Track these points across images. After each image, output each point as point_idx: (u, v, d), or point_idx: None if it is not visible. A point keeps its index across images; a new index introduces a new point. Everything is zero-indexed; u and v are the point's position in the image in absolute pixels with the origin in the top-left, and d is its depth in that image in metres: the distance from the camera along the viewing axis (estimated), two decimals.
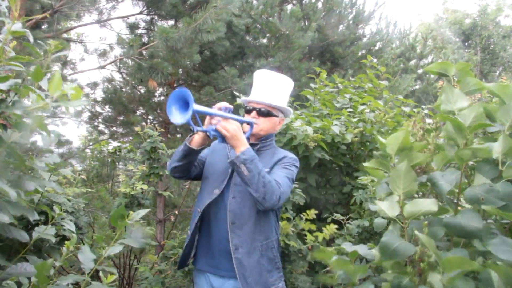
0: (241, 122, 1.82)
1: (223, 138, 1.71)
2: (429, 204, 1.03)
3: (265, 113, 1.89)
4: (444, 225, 1.01)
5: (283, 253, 2.52)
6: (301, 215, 2.66)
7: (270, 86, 1.93)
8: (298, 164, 1.89)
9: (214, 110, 1.71)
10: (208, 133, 1.71)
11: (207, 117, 1.74)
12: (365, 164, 1.24)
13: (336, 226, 2.60)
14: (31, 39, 1.33)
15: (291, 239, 2.51)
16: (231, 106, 1.76)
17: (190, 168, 1.90)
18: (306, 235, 2.64)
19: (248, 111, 1.92)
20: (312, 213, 2.61)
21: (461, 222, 0.98)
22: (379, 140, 1.20)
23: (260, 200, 1.66)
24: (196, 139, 1.81)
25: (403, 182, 1.06)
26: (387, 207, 1.09)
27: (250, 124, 1.89)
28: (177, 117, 1.56)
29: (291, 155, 1.90)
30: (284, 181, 1.75)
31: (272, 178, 1.70)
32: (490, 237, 1.02)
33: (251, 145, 1.89)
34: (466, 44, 16.52)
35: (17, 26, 1.26)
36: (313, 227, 2.64)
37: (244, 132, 1.81)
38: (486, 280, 0.93)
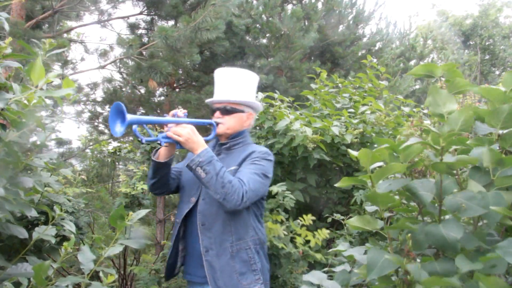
0: (201, 124, 1.86)
1: (180, 144, 1.70)
2: (407, 223, 1.01)
3: (228, 111, 1.87)
4: (425, 234, 0.98)
5: (272, 255, 2.49)
6: (299, 220, 2.63)
7: (230, 83, 1.91)
8: (270, 157, 1.81)
9: (163, 118, 1.72)
10: (159, 142, 1.70)
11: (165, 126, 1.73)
12: (336, 185, 1.21)
13: (328, 231, 2.57)
14: (7, 28, 1.32)
15: (281, 242, 2.47)
16: (185, 111, 1.76)
17: (167, 181, 1.88)
18: (298, 239, 2.62)
19: (213, 112, 1.92)
20: (309, 218, 2.57)
21: (442, 232, 0.95)
22: (350, 153, 1.16)
23: (222, 201, 1.63)
24: (162, 152, 1.81)
25: (380, 196, 1.03)
26: (362, 223, 1.07)
27: (212, 125, 1.89)
28: (117, 130, 1.53)
29: (261, 149, 1.83)
30: (251, 177, 1.68)
31: (234, 177, 1.66)
32: (487, 242, 1.00)
33: (222, 144, 1.91)
34: (467, 44, 16.52)
35: None
36: (309, 234, 2.60)
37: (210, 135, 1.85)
38: None
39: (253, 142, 1.95)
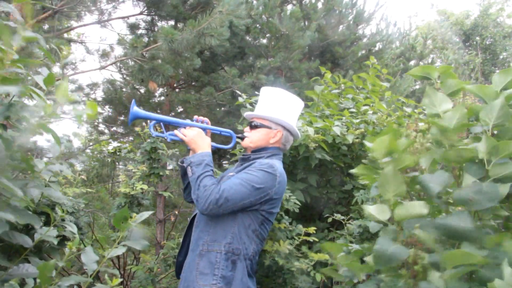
0: (219, 133, 2.01)
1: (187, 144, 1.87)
2: (419, 207, 1.03)
3: (255, 126, 1.92)
4: (435, 227, 1.00)
5: (270, 269, 2.46)
6: (301, 228, 2.64)
7: (265, 100, 1.96)
8: (270, 170, 1.75)
9: (182, 120, 1.92)
10: (166, 138, 1.89)
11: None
12: (352, 171, 1.24)
13: (327, 255, 2.58)
14: (44, 44, 1.33)
15: (284, 258, 2.46)
16: (206, 119, 1.96)
17: None
18: (305, 252, 2.63)
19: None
20: (312, 230, 2.59)
21: (452, 223, 0.97)
22: (366, 144, 1.20)
23: (195, 202, 1.70)
24: None
25: (392, 186, 1.06)
26: (376, 212, 1.09)
27: (231, 135, 2.01)
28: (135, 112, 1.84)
29: (264, 161, 1.79)
30: (232, 186, 1.68)
31: (215, 183, 1.68)
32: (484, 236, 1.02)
33: (243, 156, 1.95)
34: (467, 44, 16.53)
35: (29, 32, 1.25)
36: (315, 239, 2.62)
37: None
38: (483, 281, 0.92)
39: (278, 160, 1.88)
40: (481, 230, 1.03)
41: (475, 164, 1.04)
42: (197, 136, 1.82)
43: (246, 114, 2.01)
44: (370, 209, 1.11)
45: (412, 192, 1.21)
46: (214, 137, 2.01)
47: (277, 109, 1.91)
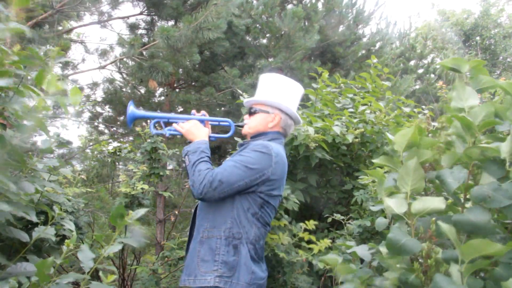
0: (217, 124, 2.03)
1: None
2: (437, 202, 1.03)
3: (252, 112, 1.93)
4: (453, 223, 1.00)
5: (270, 262, 2.46)
6: (301, 225, 2.63)
7: (262, 86, 1.96)
8: (263, 150, 1.73)
9: (178, 115, 1.97)
10: (165, 134, 1.94)
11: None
12: (374, 160, 1.24)
13: (330, 241, 2.56)
14: (29, 35, 1.33)
15: (283, 251, 2.45)
16: (204, 112, 1.99)
17: None
18: (304, 245, 2.62)
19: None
20: (311, 223, 2.58)
21: (470, 218, 0.97)
22: (387, 137, 1.20)
23: (191, 188, 1.72)
24: None
25: (411, 179, 1.07)
26: (394, 204, 1.09)
27: (230, 124, 2.01)
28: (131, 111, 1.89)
29: (258, 142, 1.78)
30: (226, 169, 1.68)
31: (209, 168, 1.70)
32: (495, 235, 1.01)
33: (244, 142, 1.95)
34: (467, 44, 16.53)
35: (14, 24, 1.24)
36: (313, 238, 2.60)
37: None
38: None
39: (277, 143, 1.86)
40: (499, 227, 1.03)
41: (495, 164, 1.03)
42: (193, 127, 1.86)
43: (244, 101, 2.02)
44: (389, 201, 1.10)
45: (428, 190, 1.21)
46: (214, 129, 2.05)
47: (273, 93, 1.91)
